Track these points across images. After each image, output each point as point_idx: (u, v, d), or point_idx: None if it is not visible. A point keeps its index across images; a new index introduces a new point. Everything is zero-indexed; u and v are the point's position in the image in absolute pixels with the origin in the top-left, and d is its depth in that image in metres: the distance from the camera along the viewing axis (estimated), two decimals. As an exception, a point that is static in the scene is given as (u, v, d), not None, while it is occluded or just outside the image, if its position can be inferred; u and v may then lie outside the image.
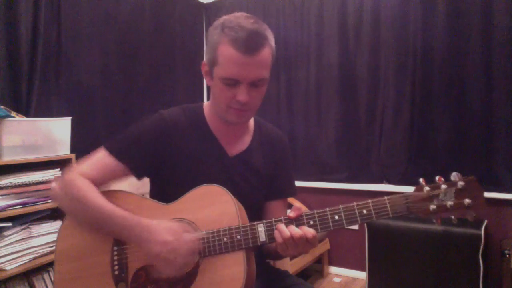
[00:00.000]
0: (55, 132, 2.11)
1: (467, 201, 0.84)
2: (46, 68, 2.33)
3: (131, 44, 2.90)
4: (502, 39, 2.34)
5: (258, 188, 1.10)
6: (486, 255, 2.24)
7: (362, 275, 2.78)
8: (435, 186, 0.87)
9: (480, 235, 2.16)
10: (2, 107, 1.91)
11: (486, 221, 2.32)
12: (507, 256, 2.12)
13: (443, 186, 0.86)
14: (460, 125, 2.51)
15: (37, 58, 2.27)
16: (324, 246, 2.93)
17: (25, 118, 2.07)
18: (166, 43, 3.18)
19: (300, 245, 0.87)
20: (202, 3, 3.48)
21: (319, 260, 2.96)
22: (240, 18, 0.94)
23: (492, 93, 2.40)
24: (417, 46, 2.62)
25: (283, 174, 1.15)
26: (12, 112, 1.99)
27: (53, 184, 1.03)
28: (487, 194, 2.34)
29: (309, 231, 0.87)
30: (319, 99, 3.04)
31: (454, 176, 0.86)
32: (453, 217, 0.87)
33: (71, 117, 2.19)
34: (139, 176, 1.03)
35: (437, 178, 0.87)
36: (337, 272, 3.02)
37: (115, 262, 0.97)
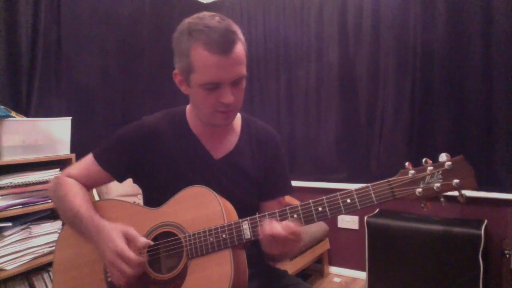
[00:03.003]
0: (55, 132, 2.11)
1: (455, 181, 0.79)
2: (46, 68, 2.33)
3: (131, 44, 2.90)
4: (502, 39, 2.34)
5: (248, 189, 1.08)
6: (486, 255, 2.24)
7: (362, 275, 2.78)
8: (421, 169, 0.83)
9: (480, 235, 2.16)
10: (2, 107, 1.91)
11: (486, 221, 2.32)
12: (507, 256, 2.12)
13: (430, 168, 0.82)
14: (460, 125, 2.50)
15: (37, 58, 2.27)
16: (324, 246, 2.93)
17: (25, 118, 2.07)
18: (166, 43, 3.16)
19: (281, 241, 0.84)
20: (202, 3, 3.48)
21: (319, 260, 2.96)
22: (205, 19, 0.91)
23: (492, 93, 2.40)
24: (417, 46, 2.61)
25: (276, 173, 1.12)
26: (12, 112, 1.99)
27: (50, 183, 1.11)
28: (487, 194, 2.37)
29: (289, 225, 0.84)
30: (319, 99, 3.04)
31: (442, 156, 0.82)
32: (442, 199, 0.82)
33: (71, 117, 2.20)
34: (120, 180, 1.09)
35: (424, 160, 0.83)
36: (337, 272, 3.02)
37: (107, 270, 0.98)
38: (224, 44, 0.88)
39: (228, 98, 0.92)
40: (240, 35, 0.93)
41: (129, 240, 0.92)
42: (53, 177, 2.04)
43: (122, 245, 0.90)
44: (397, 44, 2.68)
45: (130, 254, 0.89)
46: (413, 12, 2.61)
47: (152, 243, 0.94)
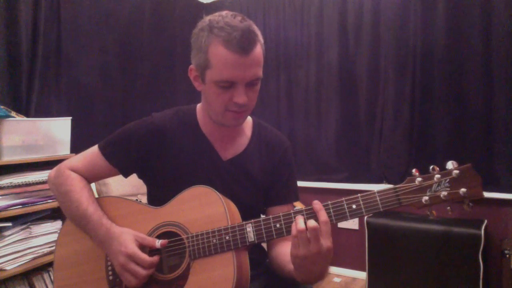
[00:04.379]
0: (55, 132, 2.11)
1: (462, 190, 0.78)
2: (46, 68, 2.33)
3: (131, 44, 2.90)
4: (502, 39, 2.34)
5: (253, 193, 1.07)
6: (486, 255, 2.23)
7: (362, 275, 2.78)
8: (428, 176, 0.82)
9: (480, 235, 2.16)
10: (2, 107, 1.91)
11: (486, 221, 2.32)
12: (507, 256, 2.12)
13: (437, 176, 0.80)
14: (460, 125, 2.50)
15: (37, 58, 2.27)
16: (324, 246, 2.92)
17: (25, 118, 2.07)
18: (166, 43, 3.18)
19: (312, 241, 0.79)
20: (202, 3, 3.48)
21: (319, 260, 2.96)
22: (227, 17, 0.90)
23: (492, 93, 2.40)
24: (417, 46, 2.61)
25: (283, 180, 1.11)
26: (12, 112, 1.99)
27: (50, 172, 1.09)
28: (487, 194, 2.36)
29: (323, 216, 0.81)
30: (319, 99, 3.04)
31: (449, 164, 0.81)
32: (448, 208, 0.82)
33: (71, 117, 2.19)
34: (126, 176, 1.09)
35: (431, 167, 0.82)
36: (337, 272, 3.02)
37: (109, 268, 0.98)
38: (244, 43, 0.87)
39: (241, 98, 0.91)
40: (260, 37, 0.93)
41: (141, 244, 0.93)
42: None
43: (133, 247, 0.91)
44: (397, 44, 2.68)
45: (143, 255, 0.90)
46: (413, 12, 2.61)
47: (167, 241, 0.94)
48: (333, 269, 3.04)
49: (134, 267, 0.90)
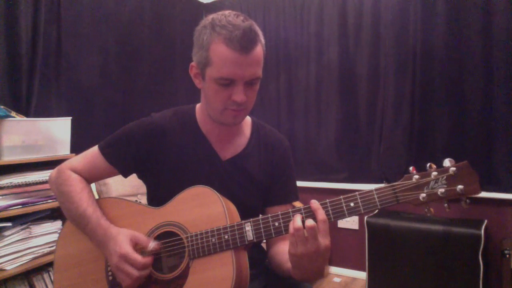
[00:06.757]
0: (55, 132, 2.11)
1: (459, 187, 0.79)
2: (46, 68, 2.33)
3: (131, 44, 2.90)
4: (502, 39, 2.34)
5: (252, 193, 1.08)
6: (486, 255, 2.23)
7: (362, 275, 2.78)
8: (425, 174, 0.82)
9: (480, 235, 2.16)
10: (2, 107, 1.91)
11: (486, 221, 2.32)
12: (507, 256, 2.12)
13: (434, 173, 0.81)
14: (460, 125, 2.50)
15: (37, 58, 2.27)
16: (324, 246, 2.92)
17: (25, 118, 2.07)
18: (166, 43, 3.18)
19: (310, 240, 0.80)
20: (202, 3, 3.48)
21: (319, 260, 2.96)
22: (229, 16, 0.91)
23: (492, 93, 2.40)
24: (417, 46, 2.61)
25: (282, 180, 1.11)
26: (12, 112, 1.99)
27: (52, 173, 1.10)
28: (487, 194, 2.36)
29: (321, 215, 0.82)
30: (319, 99, 3.05)
31: (446, 162, 0.82)
32: (446, 205, 0.82)
33: (71, 117, 2.20)
34: (126, 176, 1.09)
35: (428, 165, 0.83)
36: (337, 272, 3.02)
37: (109, 268, 0.98)
38: (245, 42, 0.88)
39: (240, 97, 0.92)
40: (261, 37, 0.94)
41: (136, 244, 0.93)
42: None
43: (127, 248, 0.91)
44: (397, 44, 2.68)
45: (136, 256, 0.90)
46: (413, 12, 2.61)
47: (160, 245, 0.94)
48: (333, 269, 3.05)
49: (128, 267, 0.90)
